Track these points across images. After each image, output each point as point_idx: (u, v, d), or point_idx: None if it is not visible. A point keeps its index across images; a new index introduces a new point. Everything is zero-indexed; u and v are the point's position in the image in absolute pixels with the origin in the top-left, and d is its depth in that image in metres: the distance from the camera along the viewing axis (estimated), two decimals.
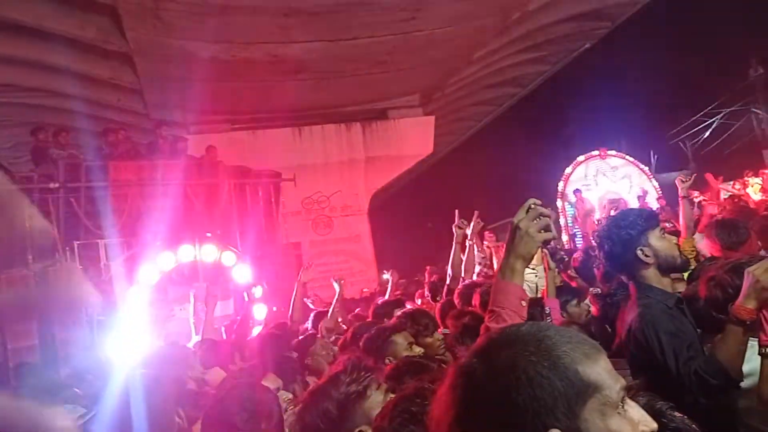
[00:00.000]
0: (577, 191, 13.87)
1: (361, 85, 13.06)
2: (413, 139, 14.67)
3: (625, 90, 19.00)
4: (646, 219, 2.67)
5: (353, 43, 11.08)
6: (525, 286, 2.30)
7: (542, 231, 1.89)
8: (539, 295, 4.22)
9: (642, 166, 14.52)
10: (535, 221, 1.88)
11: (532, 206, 1.90)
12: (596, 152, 14.35)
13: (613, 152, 14.59)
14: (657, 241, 2.61)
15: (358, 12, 10.10)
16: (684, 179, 4.75)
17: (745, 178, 12.45)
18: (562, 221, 13.55)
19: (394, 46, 11.53)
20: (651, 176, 14.47)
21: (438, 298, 5.09)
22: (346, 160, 14.39)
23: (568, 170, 14.16)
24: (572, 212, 13.73)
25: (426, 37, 11.41)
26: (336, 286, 5.84)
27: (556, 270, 4.23)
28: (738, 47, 18.93)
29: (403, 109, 14.77)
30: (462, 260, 4.91)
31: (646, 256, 2.59)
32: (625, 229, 2.63)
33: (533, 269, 5.04)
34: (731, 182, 12.69)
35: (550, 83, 17.49)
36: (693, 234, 4.55)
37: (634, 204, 12.65)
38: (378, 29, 10.82)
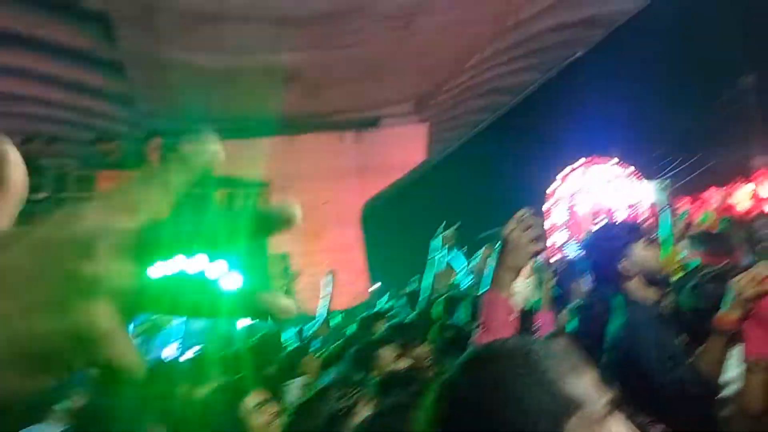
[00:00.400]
0: (570, 198, 13.84)
1: (354, 93, 13.07)
2: (407, 147, 14.67)
3: (616, 98, 19.04)
4: (630, 231, 2.70)
5: (347, 51, 11.10)
6: (518, 298, 2.29)
7: (532, 242, 1.89)
8: (531, 307, 4.22)
9: (633, 175, 14.49)
10: (525, 232, 1.88)
11: (523, 217, 1.90)
12: (584, 161, 14.33)
13: (605, 161, 14.57)
14: (641, 252, 2.64)
15: (352, 19, 10.13)
16: (661, 189, 4.76)
17: (734, 186, 12.52)
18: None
19: (388, 54, 11.57)
20: (642, 185, 14.43)
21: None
22: (339, 168, 14.34)
23: (555, 184, 14.15)
24: (565, 220, 13.73)
25: (420, 44, 11.44)
26: (327, 280, 5.69)
27: (550, 282, 4.23)
28: (730, 55, 19.07)
29: (396, 117, 14.77)
30: (442, 272, 4.95)
31: (630, 268, 2.61)
32: (609, 241, 2.65)
33: (526, 281, 5.03)
34: (721, 188, 12.75)
35: (543, 91, 17.51)
36: (675, 244, 4.57)
37: (624, 214, 12.67)
38: (372, 37, 10.85)
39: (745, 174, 13.44)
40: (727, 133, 19.02)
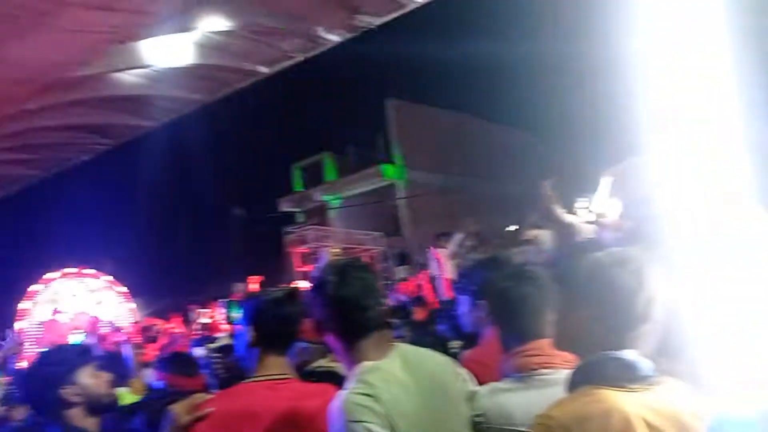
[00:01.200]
0: (52, 303, 12.87)
1: None
2: None
3: (115, 210, 19.10)
4: (78, 355, 2.55)
5: None
6: None
7: None
8: None
9: (121, 294, 14.34)
10: None
11: None
12: (72, 270, 13.64)
13: (95, 274, 14.07)
14: (87, 378, 2.50)
15: None
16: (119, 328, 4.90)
17: (215, 307, 13.62)
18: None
19: None
20: (128, 305, 14.40)
21: None
22: None
23: (36, 288, 13.03)
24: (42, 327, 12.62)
25: None
26: None
27: None
28: (225, 188, 21.50)
29: None
30: None
31: (73, 394, 2.44)
32: (51, 366, 2.45)
33: None
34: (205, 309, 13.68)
35: (39, 189, 16.47)
36: (140, 369, 4.60)
37: (105, 330, 12.27)
38: None
39: (225, 297, 14.76)
40: (215, 259, 20.94)
